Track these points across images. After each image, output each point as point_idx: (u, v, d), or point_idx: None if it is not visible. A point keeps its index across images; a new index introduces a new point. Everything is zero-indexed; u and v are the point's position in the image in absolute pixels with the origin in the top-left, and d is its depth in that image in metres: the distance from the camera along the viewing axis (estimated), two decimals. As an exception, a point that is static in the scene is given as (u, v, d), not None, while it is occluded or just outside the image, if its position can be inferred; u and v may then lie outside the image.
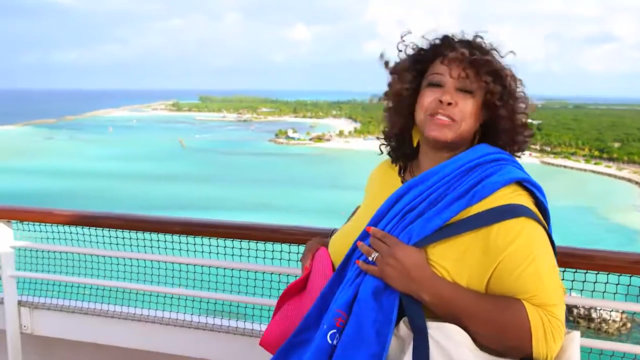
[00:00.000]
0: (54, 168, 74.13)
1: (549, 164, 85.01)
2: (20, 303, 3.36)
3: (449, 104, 1.63)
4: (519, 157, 1.76)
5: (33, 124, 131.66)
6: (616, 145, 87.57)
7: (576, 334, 1.55)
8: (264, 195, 61.50)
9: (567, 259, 2.29)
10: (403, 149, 1.85)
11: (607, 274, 2.29)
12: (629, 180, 74.61)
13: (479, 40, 1.70)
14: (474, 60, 1.64)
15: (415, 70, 1.74)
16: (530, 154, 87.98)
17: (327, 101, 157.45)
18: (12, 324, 3.34)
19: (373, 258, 1.59)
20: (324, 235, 2.05)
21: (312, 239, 2.08)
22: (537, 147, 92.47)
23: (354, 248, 1.67)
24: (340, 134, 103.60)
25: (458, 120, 1.64)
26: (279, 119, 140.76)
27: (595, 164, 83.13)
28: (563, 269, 2.29)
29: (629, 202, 63.87)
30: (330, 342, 1.56)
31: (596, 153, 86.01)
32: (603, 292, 2.32)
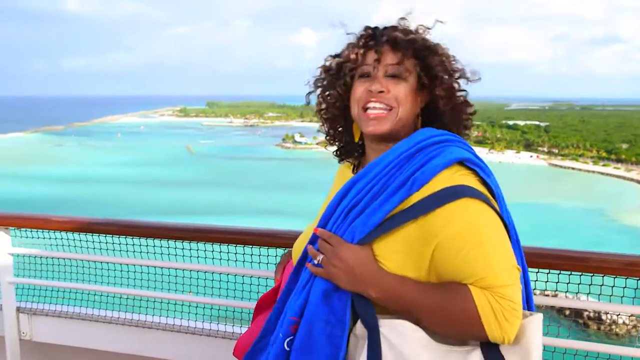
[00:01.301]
0: (64, 174, 74.43)
1: (556, 166, 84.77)
2: (19, 309, 3.36)
3: (380, 92, 1.61)
4: (467, 135, 1.72)
5: (42, 131, 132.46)
6: (624, 146, 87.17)
7: (537, 316, 1.48)
8: (271, 200, 61.51)
9: (562, 261, 2.28)
10: (348, 146, 1.84)
11: (603, 276, 2.27)
12: (638, 181, 74.23)
13: (403, 22, 1.67)
14: (398, 43, 1.61)
15: (344, 67, 1.70)
16: (537, 156, 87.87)
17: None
18: (11, 330, 3.34)
19: (318, 260, 1.57)
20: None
21: (286, 251, 2.08)
22: (545, 149, 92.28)
23: (306, 251, 1.65)
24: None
25: (394, 107, 1.62)
26: (286, 123, 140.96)
27: (603, 165, 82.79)
28: (558, 272, 2.28)
29: (638, 204, 63.50)
30: (287, 349, 1.55)
31: (604, 154, 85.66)
32: (599, 295, 2.30)
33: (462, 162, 1.53)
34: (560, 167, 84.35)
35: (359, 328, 1.50)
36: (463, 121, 1.72)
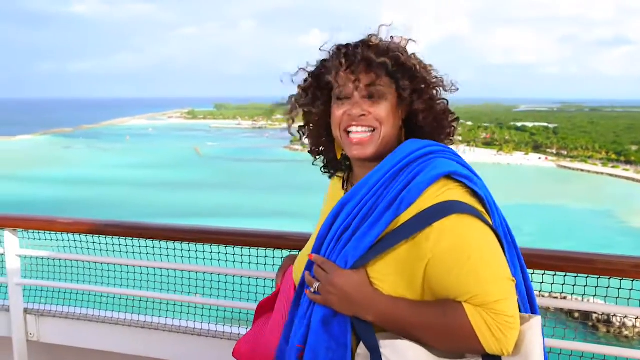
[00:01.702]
0: (73, 177, 74.67)
1: (565, 167, 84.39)
2: (26, 311, 3.38)
3: (362, 115, 1.60)
4: (451, 141, 1.71)
5: (51, 133, 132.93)
6: (634, 148, 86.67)
7: (536, 319, 1.49)
8: (279, 202, 61.50)
9: (568, 263, 2.27)
10: (333, 162, 1.84)
11: (609, 279, 2.26)
12: (647, 183, 73.80)
13: (374, 39, 1.64)
14: (372, 63, 1.59)
15: (320, 87, 1.70)
16: (546, 158, 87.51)
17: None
18: (18, 331, 3.36)
19: (315, 288, 1.58)
20: None
21: (288, 255, 2.10)
22: (554, 150, 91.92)
23: (304, 278, 1.66)
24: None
25: (377, 127, 1.61)
26: (294, 125, 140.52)
27: (612, 167, 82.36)
28: (564, 273, 2.28)
29: (647, 206, 63.14)
30: None
31: (613, 156, 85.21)
32: (605, 297, 2.29)
33: (449, 176, 1.52)
34: (569, 168, 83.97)
35: (362, 348, 1.52)
36: (446, 129, 1.71)
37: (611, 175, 79.63)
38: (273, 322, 1.81)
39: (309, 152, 1.87)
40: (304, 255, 1.79)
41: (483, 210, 1.53)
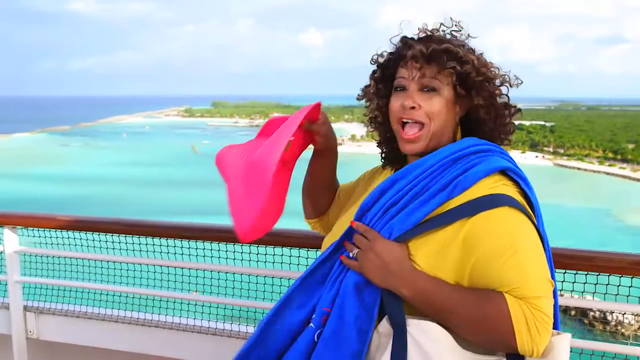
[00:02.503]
0: (70, 174, 74.61)
1: (562, 165, 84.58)
2: (26, 308, 3.37)
3: (412, 107, 1.60)
4: (509, 143, 1.71)
5: (48, 131, 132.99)
6: (630, 146, 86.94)
7: (566, 335, 1.48)
8: (276, 200, 61.41)
9: (568, 260, 2.27)
10: (392, 154, 1.83)
11: (609, 276, 2.27)
12: (644, 181, 73.97)
13: (437, 34, 1.66)
14: (431, 55, 1.59)
15: (383, 80, 1.72)
16: (543, 156, 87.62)
17: (339, 105, 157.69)
18: (18, 329, 3.36)
19: (354, 254, 1.57)
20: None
21: None
22: (550, 149, 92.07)
23: (337, 243, 1.64)
24: (353, 138, 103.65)
25: (426, 123, 1.61)
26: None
27: (609, 165, 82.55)
28: (564, 271, 2.28)
29: (644, 204, 63.30)
30: (316, 340, 1.54)
31: (610, 155, 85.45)
32: (604, 294, 2.30)
33: (504, 172, 1.54)
34: (566, 167, 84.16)
35: (383, 326, 1.49)
36: (505, 127, 1.70)
37: (608, 173, 79.83)
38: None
39: (377, 145, 1.87)
40: (339, 225, 1.78)
41: (531, 213, 1.53)
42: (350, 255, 1.58)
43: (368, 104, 1.79)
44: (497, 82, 1.67)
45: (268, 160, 1.65)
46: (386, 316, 1.50)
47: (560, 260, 2.26)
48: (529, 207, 1.54)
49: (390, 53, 1.71)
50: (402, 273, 1.49)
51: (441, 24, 1.69)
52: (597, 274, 2.27)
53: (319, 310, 1.57)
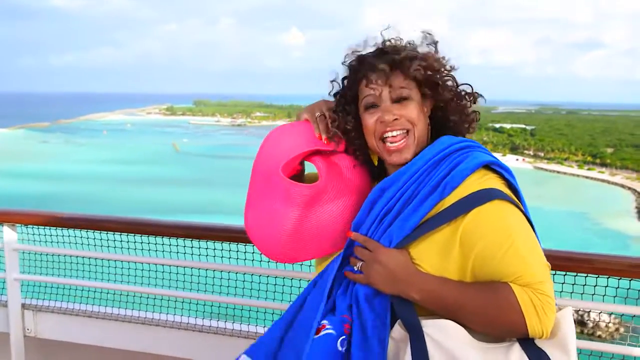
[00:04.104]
0: (49, 172, 73.80)
1: (542, 169, 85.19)
2: (24, 306, 3.37)
3: (395, 119, 1.64)
4: (473, 130, 1.78)
5: (27, 127, 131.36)
6: (609, 150, 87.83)
7: (568, 309, 1.56)
8: (258, 200, 61.23)
9: (567, 262, 2.33)
10: (371, 167, 1.86)
11: (607, 278, 2.32)
12: (622, 185, 74.79)
13: (387, 45, 1.70)
14: (392, 69, 1.64)
15: (347, 102, 1.75)
16: (523, 159, 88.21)
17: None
18: (15, 327, 3.35)
19: (358, 267, 1.62)
20: None
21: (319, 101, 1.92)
22: (531, 152, 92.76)
23: (340, 257, 1.69)
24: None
25: (410, 128, 1.66)
26: (273, 123, 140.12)
27: (588, 169, 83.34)
28: (564, 273, 2.34)
29: (622, 208, 64.07)
30: (340, 349, 1.55)
31: (589, 159, 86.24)
32: (603, 296, 2.35)
33: (487, 166, 1.60)
34: (546, 170, 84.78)
35: (397, 331, 1.54)
36: (469, 116, 1.76)
37: (587, 177, 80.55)
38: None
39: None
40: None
41: (518, 202, 1.60)
42: (355, 269, 1.63)
43: (336, 122, 1.78)
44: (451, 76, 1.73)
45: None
46: (398, 321, 1.55)
47: (559, 262, 2.32)
48: (515, 196, 1.61)
49: (345, 77, 1.76)
50: (409, 278, 1.54)
51: (384, 40, 1.72)
52: (597, 276, 2.33)
53: (338, 317, 1.59)
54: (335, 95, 1.80)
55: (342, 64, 1.75)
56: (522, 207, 1.59)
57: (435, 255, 1.55)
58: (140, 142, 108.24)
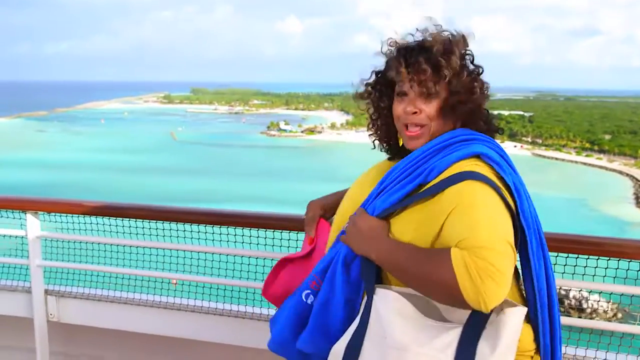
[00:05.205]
0: (47, 160, 73.78)
1: (540, 156, 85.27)
2: (47, 292, 3.45)
3: (414, 112, 1.77)
4: (502, 131, 1.92)
5: (24, 116, 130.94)
6: (607, 137, 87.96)
7: (521, 309, 1.56)
8: (256, 187, 61.42)
9: (576, 245, 2.42)
10: (395, 149, 1.98)
11: (618, 260, 2.41)
12: (620, 172, 74.97)
13: (427, 42, 1.77)
14: (426, 64, 1.73)
15: (385, 84, 1.88)
16: (522, 146, 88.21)
17: (319, 93, 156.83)
18: (39, 312, 3.44)
19: (344, 228, 1.81)
20: None
21: (312, 202, 2.21)
22: (529, 139, 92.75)
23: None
24: (332, 126, 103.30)
25: (427, 124, 1.77)
26: (271, 111, 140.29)
27: (586, 156, 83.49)
28: (576, 255, 2.41)
29: (619, 194, 64.27)
30: (304, 300, 1.81)
31: (587, 145, 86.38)
32: (614, 277, 2.44)
33: (479, 156, 1.67)
34: (544, 157, 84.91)
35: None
36: (495, 119, 1.93)
37: (585, 164, 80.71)
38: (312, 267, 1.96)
39: (373, 141, 2.01)
40: (342, 215, 1.94)
41: (507, 193, 1.63)
42: (343, 229, 1.83)
43: (369, 107, 1.95)
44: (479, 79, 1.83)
45: None
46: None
47: (568, 245, 2.41)
48: (507, 191, 1.64)
49: (388, 60, 1.86)
50: (372, 239, 1.69)
51: (425, 31, 1.81)
52: (608, 258, 2.41)
53: (310, 275, 1.84)
54: (376, 73, 1.92)
55: (381, 51, 1.87)
56: (506, 195, 1.61)
57: (412, 229, 1.65)
58: (138, 130, 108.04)
